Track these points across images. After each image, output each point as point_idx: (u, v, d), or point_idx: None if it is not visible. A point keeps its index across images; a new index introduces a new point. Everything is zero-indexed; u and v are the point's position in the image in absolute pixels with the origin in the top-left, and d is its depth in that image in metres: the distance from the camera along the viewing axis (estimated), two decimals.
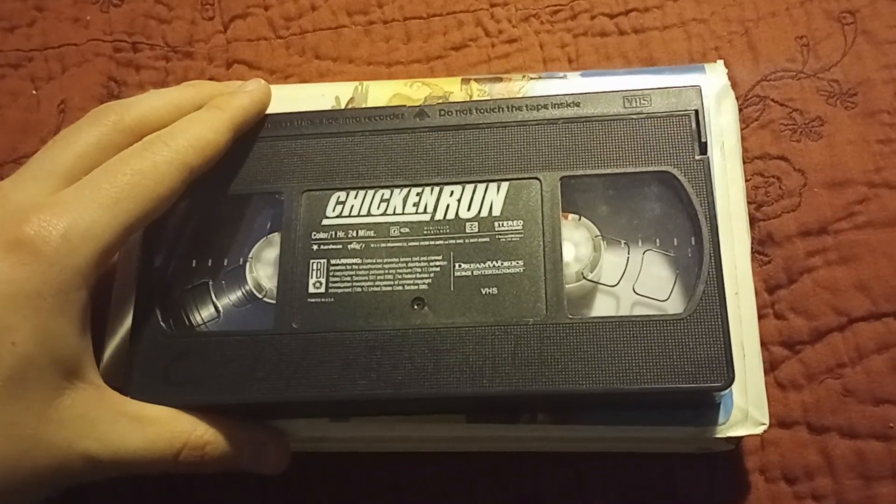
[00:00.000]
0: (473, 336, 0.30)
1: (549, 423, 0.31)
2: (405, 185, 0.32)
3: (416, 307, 0.31)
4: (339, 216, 0.32)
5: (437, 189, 0.32)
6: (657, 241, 0.33)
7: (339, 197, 0.33)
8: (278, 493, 0.35)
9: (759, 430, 0.30)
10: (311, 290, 0.31)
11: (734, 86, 0.36)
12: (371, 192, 0.33)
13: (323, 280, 0.32)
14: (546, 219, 0.31)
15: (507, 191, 0.32)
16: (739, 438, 0.31)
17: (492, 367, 0.29)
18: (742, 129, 0.37)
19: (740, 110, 0.37)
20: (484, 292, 0.31)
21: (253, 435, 0.31)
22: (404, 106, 0.34)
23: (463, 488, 0.35)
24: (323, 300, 0.31)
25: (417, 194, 0.32)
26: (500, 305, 0.30)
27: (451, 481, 0.35)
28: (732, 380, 0.28)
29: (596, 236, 0.33)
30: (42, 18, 0.46)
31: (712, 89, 0.34)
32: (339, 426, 0.32)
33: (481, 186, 0.32)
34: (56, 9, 0.46)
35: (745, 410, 0.30)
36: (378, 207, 0.32)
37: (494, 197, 0.32)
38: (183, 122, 0.31)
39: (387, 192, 0.33)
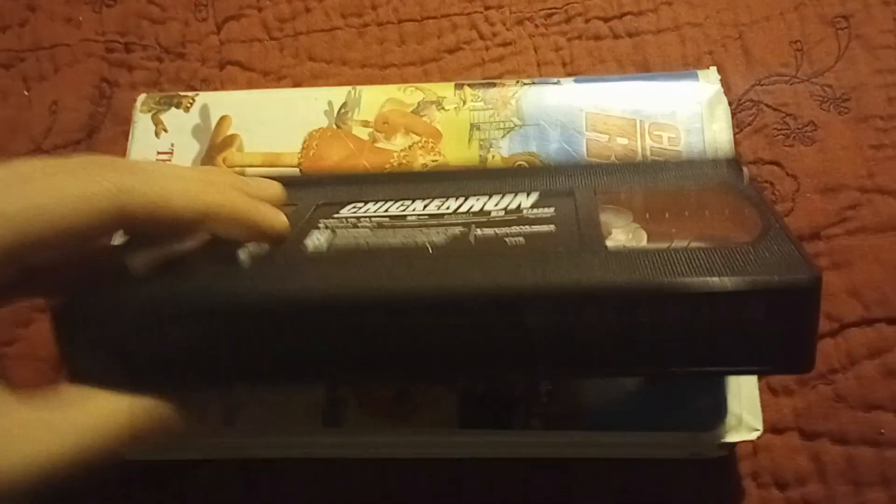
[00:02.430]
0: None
1: (541, 428, 0.31)
2: (428, 199, 0.30)
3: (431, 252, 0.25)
4: (351, 211, 0.30)
5: (461, 198, 0.30)
6: None
7: (355, 205, 0.30)
8: (267, 499, 0.35)
9: (753, 436, 0.30)
10: (311, 249, 0.26)
11: (728, 90, 0.36)
12: (390, 203, 0.30)
13: (323, 239, 0.27)
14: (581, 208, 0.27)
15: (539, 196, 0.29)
16: (733, 444, 0.31)
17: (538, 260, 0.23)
18: (735, 134, 0.37)
19: (734, 115, 0.37)
20: (510, 242, 0.25)
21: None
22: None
23: (453, 494, 0.34)
24: (324, 256, 0.26)
25: (441, 202, 0.30)
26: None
27: (442, 487, 0.35)
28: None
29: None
30: (34, 18, 0.45)
31: (705, 96, 0.35)
32: (330, 431, 0.32)
33: (510, 195, 0.30)
34: (48, 9, 0.45)
35: (739, 416, 0.30)
36: (397, 209, 0.30)
37: (524, 199, 0.29)
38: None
39: (408, 202, 0.30)
